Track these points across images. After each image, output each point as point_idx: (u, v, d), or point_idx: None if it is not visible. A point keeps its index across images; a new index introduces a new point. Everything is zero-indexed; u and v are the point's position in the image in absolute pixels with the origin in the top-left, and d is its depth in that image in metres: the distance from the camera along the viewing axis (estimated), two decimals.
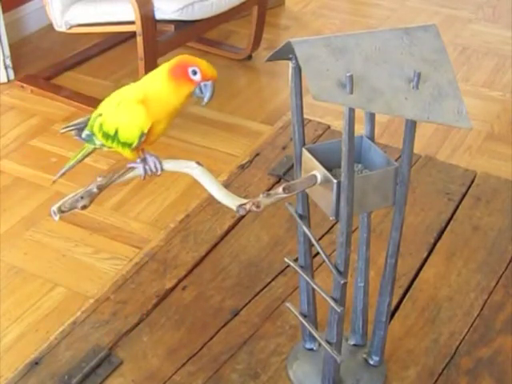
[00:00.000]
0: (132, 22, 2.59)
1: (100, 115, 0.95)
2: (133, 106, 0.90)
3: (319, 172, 0.94)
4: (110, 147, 0.97)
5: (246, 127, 2.82)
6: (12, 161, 2.60)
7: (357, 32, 0.89)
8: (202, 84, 0.89)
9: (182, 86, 0.89)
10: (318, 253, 1.04)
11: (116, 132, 0.92)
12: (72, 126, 0.99)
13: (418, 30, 0.91)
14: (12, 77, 3.07)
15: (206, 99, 0.90)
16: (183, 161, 0.99)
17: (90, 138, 0.98)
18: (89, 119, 0.98)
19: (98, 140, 0.96)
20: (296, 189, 0.94)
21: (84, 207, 0.92)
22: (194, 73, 0.88)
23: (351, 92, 0.84)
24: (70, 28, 2.79)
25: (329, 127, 1.68)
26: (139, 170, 0.96)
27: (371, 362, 1.10)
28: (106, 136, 0.94)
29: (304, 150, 0.97)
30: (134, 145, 0.93)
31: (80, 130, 0.99)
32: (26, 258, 2.17)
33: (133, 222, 2.32)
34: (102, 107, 0.96)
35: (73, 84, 3.04)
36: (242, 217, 1.38)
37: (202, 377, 1.10)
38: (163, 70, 0.90)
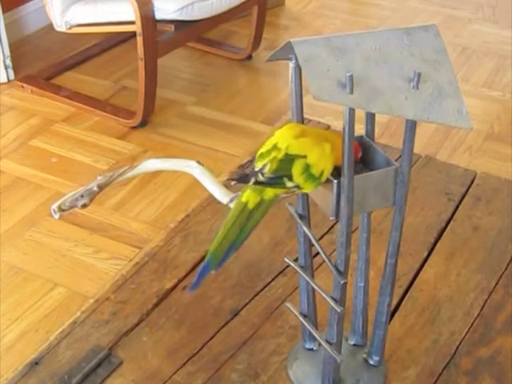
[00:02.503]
0: (132, 22, 2.59)
1: (304, 157, 0.91)
2: (329, 150, 0.93)
3: None
4: (300, 190, 0.93)
5: (245, 127, 2.82)
6: (12, 161, 2.60)
7: (357, 32, 0.89)
8: None
9: None
10: (317, 253, 1.04)
11: (322, 173, 0.92)
12: (238, 175, 0.93)
13: (418, 30, 0.91)
14: (12, 77, 3.07)
15: None
16: (183, 160, 0.99)
17: (278, 181, 0.92)
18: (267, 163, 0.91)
19: (293, 182, 0.92)
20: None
21: (84, 206, 0.92)
22: None
23: (351, 92, 0.84)
24: (70, 28, 2.79)
25: (329, 127, 1.68)
26: None
27: (371, 362, 1.10)
28: (311, 178, 0.92)
29: None
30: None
31: (244, 176, 0.92)
32: (25, 258, 2.17)
33: (133, 222, 2.32)
34: (296, 148, 0.92)
35: (73, 84, 3.04)
36: None
37: (201, 377, 1.10)
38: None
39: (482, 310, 1.22)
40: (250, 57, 3.25)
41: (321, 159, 0.91)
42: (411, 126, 0.92)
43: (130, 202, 2.40)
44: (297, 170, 0.91)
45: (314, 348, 1.12)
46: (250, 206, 0.93)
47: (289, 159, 0.91)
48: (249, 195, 0.93)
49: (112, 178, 0.95)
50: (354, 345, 1.12)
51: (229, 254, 0.94)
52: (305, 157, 0.91)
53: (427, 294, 1.25)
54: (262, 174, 0.91)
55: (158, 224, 2.29)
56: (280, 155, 0.91)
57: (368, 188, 0.94)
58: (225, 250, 0.94)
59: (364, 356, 1.11)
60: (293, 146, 0.92)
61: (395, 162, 0.95)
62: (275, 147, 0.92)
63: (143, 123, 2.77)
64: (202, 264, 0.93)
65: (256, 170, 0.91)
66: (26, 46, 3.32)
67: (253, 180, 0.91)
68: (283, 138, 0.93)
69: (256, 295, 1.24)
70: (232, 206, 0.94)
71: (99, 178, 0.94)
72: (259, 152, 0.94)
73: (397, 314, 1.21)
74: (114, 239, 2.24)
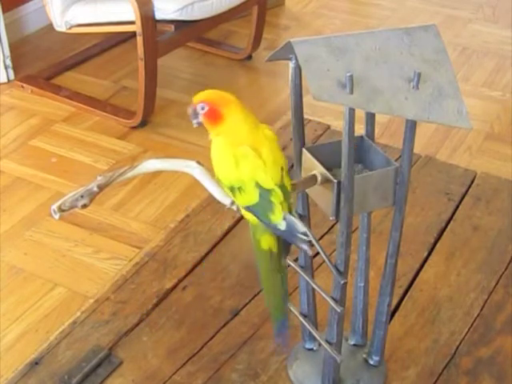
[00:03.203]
0: (132, 22, 2.59)
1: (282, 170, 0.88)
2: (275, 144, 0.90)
3: (319, 172, 0.94)
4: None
5: None
6: (12, 161, 2.59)
7: (357, 32, 0.89)
8: None
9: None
10: (318, 253, 1.04)
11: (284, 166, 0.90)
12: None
13: (418, 30, 0.91)
14: (12, 77, 3.07)
15: None
16: (183, 160, 0.99)
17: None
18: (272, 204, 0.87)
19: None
20: (296, 189, 0.94)
21: (84, 206, 0.92)
22: None
23: (351, 92, 0.84)
24: (70, 28, 2.79)
25: (329, 127, 1.68)
26: None
27: (371, 362, 1.10)
28: (285, 191, 0.89)
29: (304, 150, 0.97)
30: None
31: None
32: (26, 258, 2.17)
33: (133, 222, 2.32)
34: (274, 173, 0.87)
35: (73, 84, 3.04)
36: (242, 217, 1.38)
37: (201, 377, 1.10)
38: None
39: (482, 310, 1.22)
40: (250, 57, 3.25)
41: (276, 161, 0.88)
42: (411, 126, 0.92)
43: (130, 202, 2.40)
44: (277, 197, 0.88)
45: (314, 348, 1.12)
46: (274, 249, 0.92)
47: (284, 185, 0.88)
48: (268, 241, 0.91)
49: (112, 178, 0.94)
50: (354, 345, 1.12)
51: (286, 305, 0.97)
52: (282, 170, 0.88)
53: (427, 294, 1.25)
54: (303, 233, 0.88)
55: (158, 224, 2.29)
56: (280, 197, 0.87)
57: (368, 188, 0.94)
58: (283, 306, 0.95)
59: (364, 356, 1.11)
60: (274, 174, 0.88)
61: (395, 162, 0.95)
62: (266, 190, 0.87)
63: (143, 123, 2.77)
64: (275, 331, 0.95)
65: (293, 232, 0.87)
66: (26, 45, 3.32)
67: (305, 243, 0.88)
68: (259, 174, 0.87)
69: (256, 295, 1.24)
70: (234, 208, 0.95)
71: (99, 178, 0.93)
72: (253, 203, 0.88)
73: (397, 314, 1.21)
74: (113, 239, 2.24)
